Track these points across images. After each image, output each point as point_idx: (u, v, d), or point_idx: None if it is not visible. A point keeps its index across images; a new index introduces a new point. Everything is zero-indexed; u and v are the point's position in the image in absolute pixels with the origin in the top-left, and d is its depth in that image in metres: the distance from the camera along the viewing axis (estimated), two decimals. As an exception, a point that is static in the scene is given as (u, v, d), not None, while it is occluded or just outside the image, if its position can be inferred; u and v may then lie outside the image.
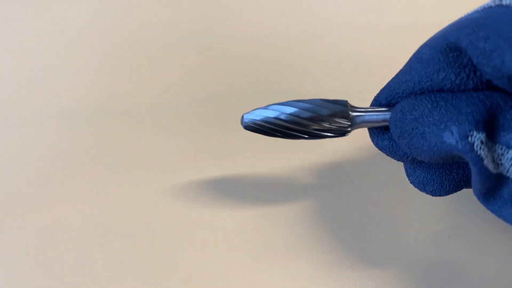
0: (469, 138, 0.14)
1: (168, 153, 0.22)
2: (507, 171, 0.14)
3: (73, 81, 0.24)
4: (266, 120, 0.17)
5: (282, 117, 0.17)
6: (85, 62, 0.25)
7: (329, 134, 0.17)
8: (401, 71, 0.16)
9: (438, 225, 0.20)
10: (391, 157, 0.18)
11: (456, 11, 0.18)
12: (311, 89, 0.23)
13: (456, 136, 0.14)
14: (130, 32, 0.26)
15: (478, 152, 0.14)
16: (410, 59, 0.16)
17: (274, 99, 0.23)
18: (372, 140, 0.18)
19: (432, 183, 0.17)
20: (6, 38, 0.26)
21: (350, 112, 0.17)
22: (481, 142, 0.14)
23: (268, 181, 0.21)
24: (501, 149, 0.14)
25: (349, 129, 0.17)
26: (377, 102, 0.17)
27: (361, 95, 0.20)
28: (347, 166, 0.21)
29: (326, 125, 0.17)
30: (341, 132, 0.17)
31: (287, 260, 0.19)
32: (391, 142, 0.17)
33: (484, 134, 0.14)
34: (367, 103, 0.18)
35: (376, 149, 0.19)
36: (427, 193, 0.17)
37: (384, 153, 0.18)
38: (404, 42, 0.21)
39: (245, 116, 0.17)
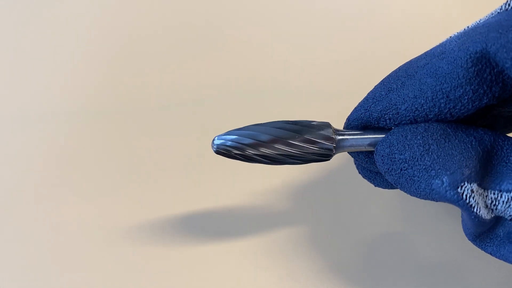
0: (459, 189, 0.14)
1: (167, 153, 0.22)
2: (503, 213, 0.14)
3: (72, 81, 0.24)
4: (240, 147, 0.15)
5: (262, 139, 0.15)
6: (83, 62, 0.25)
7: (313, 157, 0.16)
8: (398, 87, 0.15)
9: (440, 226, 0.20)
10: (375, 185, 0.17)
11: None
12: (309, 89, 0.23)
13: (446, 185, 0.14)
14: (129, 32, 0.26)
15: (468, 201, 0.14)
16: (410, 74, 0.15)
17: (274, 98, 0.23)
18: (357, 168, 0.17)
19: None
20: (4, 38, 0.26)
21: (335, 136, 0.16)
22: (472, 191, 0.14)
23: (268, 180, 0.21)
24: (494, 193, 0.14)
25: (333, 153, 0.16)
26: (367, 115, 0.16)
27: (360, 95, 0.20)
28: (344, 169, 0.21)
29: (310, 148, 0.16)
30: (325, 156, 0.16)
31: (286, 264, 0.19)
32: (376, 174, 0.17)
33: (475, 184, 0.14)
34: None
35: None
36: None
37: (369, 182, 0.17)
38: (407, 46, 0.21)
39: (215, 140, 0.16)
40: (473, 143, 0.14)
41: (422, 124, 0.15)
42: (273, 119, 0.23)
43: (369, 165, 0.17)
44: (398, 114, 0.15)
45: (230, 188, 0.21)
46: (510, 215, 0.14)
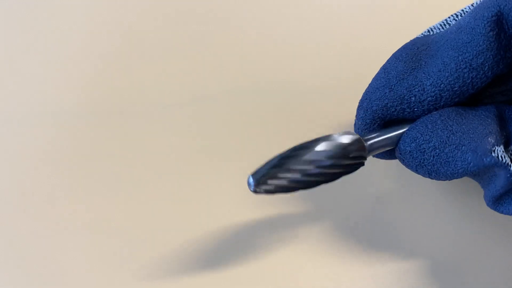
0: (493, 153, 0.15)
1: (167, 153, 0.22)
2: None
3: (70, 81, 0.24)
4: (282, 186, 0.15)
5: (304, 175, 0.15)
6: (81, 62, 0.25)
7: (348, 171, 0.15)
8: (422, 65, 0.16)
9: (441, 225, 0.20)
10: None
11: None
12: (312, 86, 0.23)
13: (481, 154, 0.15)
14: (128, 31, 0.26)
15: (505, 160, 0.15)
16: (431, 54, 0.16)
17: (274, 98, 0.23)
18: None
19: None
20: (3, 37, 0.26)
21: (365, 143, 0.16)
22: (503, 152, 0.15)
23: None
24: None
25: (365, 160, 0.16)
26: (392, 94, 0.16)
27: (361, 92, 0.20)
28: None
29: (346, 163, 0.15)
30: (358, 167, 0.16)
31: (286, 263, 0.19)
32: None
33: (502, 146, 0.15)
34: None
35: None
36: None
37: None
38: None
39: (252, 183, 0.15)
40: (485, 113, 0.15)
41: (434, 113, 0.16)
42: (273, 119, 0.23)
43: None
44: (424, 91, 0.15)
45: (230, 187, 0.21)
46: None
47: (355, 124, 0.17)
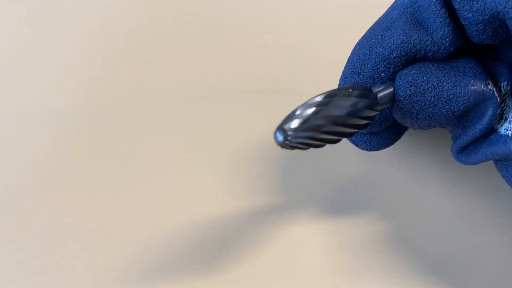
0: (489, 86, 0.15)
1: (167, 153, 0.22)
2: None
3: (70, 81, 0.24)
4: (308, 135, 0.13)
5: (339, 125, 0.14)
6: (81, 62, 0.25)
7: (363, 123, 0.15)
8: (379, 41, 0.16)
9: (442, 223, 0.20)
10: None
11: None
12: (311, 88, 0.23)
13: (479, 85, 0.15)
14: (127, 31, 0.26)
15: (498, 99, 0.15)
16: (387, 26, 0.16)
17: (274, 98, 0.23)
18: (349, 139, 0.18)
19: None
20: (2, 37, 0.26)
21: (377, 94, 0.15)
22: (493, 87, 0.16)
23: (272, 179, 0.21)
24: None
25: (376, 113, 0.15)
26: (358, 78, 0.16)
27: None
28: (348, 162, 0.21)
29: (369, 115, 0.15)
30: (368, 124, 0.15)
31: (286, 261, 0.19)
32: (371, 135, 0.18)
33: (492, 83, 0.16)
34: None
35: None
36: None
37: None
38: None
39: (281, 134, 0.13)
40: (468, 59, 0.16)
41: (424, 61, 0.16)
42: (273, 119, 0.23)
43: (371, 128, 0.17)
44: (390, 64, 0.16)
45: (230, 188, 0.21)
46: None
47: None
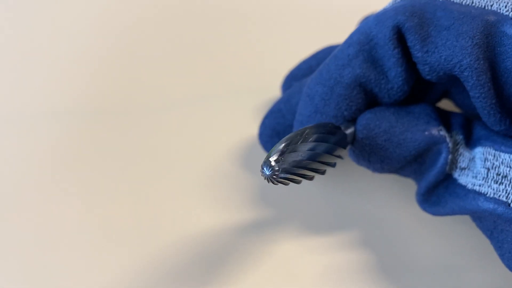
0: (441, 132, 0.16)
1: (167, 153, 0.22)
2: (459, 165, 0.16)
3: (69, 81, 0.24)
4: (294, 172, 0.13)
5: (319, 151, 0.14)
6: (80, 62, 0.25)
7: (333, 162, 0.15)
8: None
9: (442, 229, 0.20)
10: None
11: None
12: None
13: (430, 133, 0.16)
14: (127, 30, 0.26)
15: (449, 144, 0.16)
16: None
17: (274, 98, 0.23)
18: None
19: None
20: (2, 37, 0.26)
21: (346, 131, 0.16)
22: (445, 135, 0.16)
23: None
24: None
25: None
26: (329, 119, 0.17)
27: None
28: (347, 170, 0.21)
29: (335, 153, 0.15)
30: (334, 164, 0.15)
31: (287, 262, 0.19)
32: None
33: (444, 129, 0.16)
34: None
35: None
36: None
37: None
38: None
39: (268, 169, 0.13)
40: (425, 106, 0.17)
41: (382, 106, 0.17)
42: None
43: None
44: (353, 102, 0.16)
45: (230, 187, 0.21)
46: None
47: None
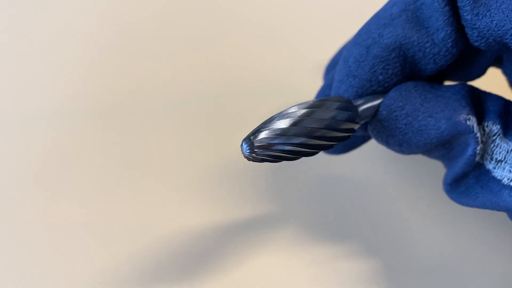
0: (468, 121, 0.14)
1: (167, 153, 0.22)
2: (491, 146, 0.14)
3: (70, 81, 0.24)
4: (278, 148, 0.13)
5: (312, 137, 0.13)
6: (82, 61, 0.25)
7: (344, 135, 0.14)
8: (376, 40, 0.15)
9: (442, 228, 0.20)
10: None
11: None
12: (310, 86, 0.23)
13: (455, 122, 0.14)
14: (127, 30, 0.26)
15: (476, 131, 0.14)
16: (385, 23, 0.15)
17: (274, 98, 0.23)
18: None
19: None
20: (1, 37, 0.26)
21: (357, 107, 0.15)
22: (476, 124, 0.14)
23: (270, 178, 0.21)
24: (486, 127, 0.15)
25: (357, 126, 0.15)
26: (357, 81, 0.15)
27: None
28: (348, 166, 0.21)
29: (341, 127, 0.14)
30: (348, 137, 0.14)
31: (286, 259, 0.19)
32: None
33: (475, 119, 0.14)
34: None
35: (379, 149, 0.19)
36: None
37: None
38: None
39: (247, 146, 0.13)
40: (459, 88, 0.15)
41: (409, 82, 0.15)
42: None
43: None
44: (389, 65, 0.15)
45: (230, 187, 0.21)
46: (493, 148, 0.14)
47: None
